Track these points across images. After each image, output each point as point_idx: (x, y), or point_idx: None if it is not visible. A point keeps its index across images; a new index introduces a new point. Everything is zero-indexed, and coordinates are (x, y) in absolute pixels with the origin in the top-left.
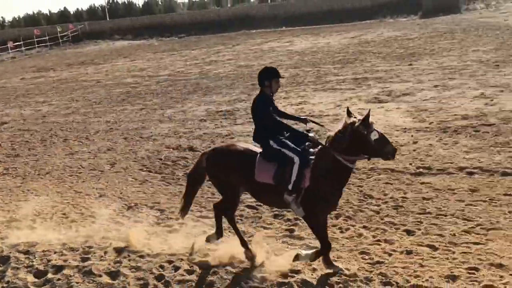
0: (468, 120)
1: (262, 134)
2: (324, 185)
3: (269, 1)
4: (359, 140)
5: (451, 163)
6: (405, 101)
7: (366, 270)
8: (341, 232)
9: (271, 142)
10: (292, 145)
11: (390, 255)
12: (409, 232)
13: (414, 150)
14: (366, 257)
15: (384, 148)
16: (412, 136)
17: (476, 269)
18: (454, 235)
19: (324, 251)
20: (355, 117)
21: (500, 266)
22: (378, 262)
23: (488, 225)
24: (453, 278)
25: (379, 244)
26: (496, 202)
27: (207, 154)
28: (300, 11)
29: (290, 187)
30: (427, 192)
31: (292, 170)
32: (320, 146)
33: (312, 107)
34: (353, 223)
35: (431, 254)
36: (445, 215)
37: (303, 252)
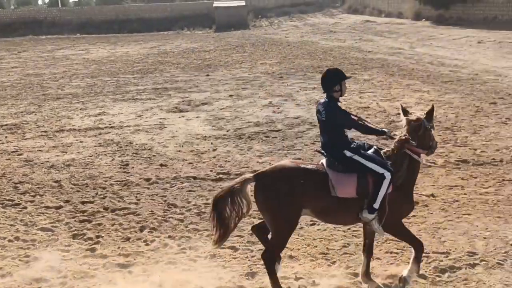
0: (260, 127)
1: (338, 144)
2: (407, 188)
3: (59, 5)
4: (424, 136)
5: (247, 167)
6: (204, 110)
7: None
8: (146, 244)
9: (348, 153)
10: (379, 158)
11: (195, 261)
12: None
13: (214, 157)
14: (172, 267)
15: (434, 142)
16: (211, 143)
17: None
18: (252, 234)
19: (421, 253)
20: (411, 113)
21: (291, 257)
22: (183, 270)
23: None
24: (252, 274)
25: (185, 252)
26: None
27: (258, 180)
28: (96, 18)
29: (376, 205)
30: None
31: (381, 185)
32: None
33: (112, 118)
34: (158, 234)
35: (233, 255)
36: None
37: (406, 272)
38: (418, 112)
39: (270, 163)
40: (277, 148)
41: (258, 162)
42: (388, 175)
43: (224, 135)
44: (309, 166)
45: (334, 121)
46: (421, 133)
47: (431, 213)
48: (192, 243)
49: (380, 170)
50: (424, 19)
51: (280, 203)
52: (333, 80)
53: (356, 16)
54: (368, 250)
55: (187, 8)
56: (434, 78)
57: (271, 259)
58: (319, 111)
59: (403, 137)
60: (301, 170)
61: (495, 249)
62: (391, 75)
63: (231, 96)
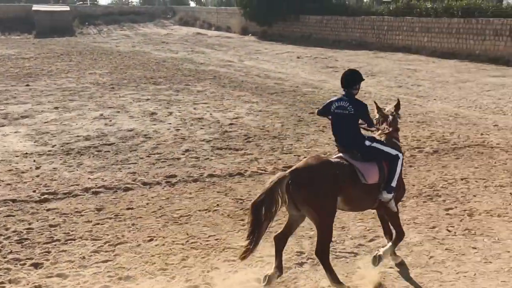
0: (91, 141)
1: (359, 136)
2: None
3: None
4: (397, 123)
5: (77, 185)
6: (24, 124)
7: None
8: None
9: (367, 143)
10: (387, 143)
11: None
12: (37, 266)
13: (37, 176)
14: None
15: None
16: (34, 161)
17: (107, 287)
18: (84, 257)
19: (400, 240)
20: (384, 109)
21: (127, 278)
22: None
23: (115, 240)
24: None
25: (4, 287)
26: (120, 217)
27: (295, 176)
28: None
29: (394, 184)
30: (54, 218)
31: (396, 167)
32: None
33: None
34: None
35: (62, 283)
36: (74, 239)
37: (382, 251)
38: (387, 107)
39: (102, 178)
40: (110, 163)
41: (89, 178)
42: (400, 155)
43: (49, 151)
44: (335, 160)
45: (361, 114)
46: (395, 122)
47: None
48: (12, 275)
49: (393, 152)
50: (250, 34)
51: (322, 196)
52: (356, 79)
53: (187, 28)
54: (388, 232)
55: (1, 10)
56: (262, 90)
57: (324, 252)
58: (343, 107)
59: (389, 130)
60: (332, 163)
61: None
62: (223, 86)
63: (56, 108)
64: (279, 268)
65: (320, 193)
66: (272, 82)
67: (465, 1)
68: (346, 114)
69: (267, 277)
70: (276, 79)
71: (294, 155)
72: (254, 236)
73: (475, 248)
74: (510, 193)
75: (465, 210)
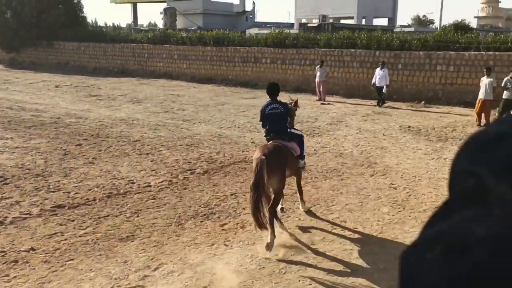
0: None
1: (287, 126)
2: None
3: None
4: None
5: None
6: None
7: None
8: None
9: (290, 130)
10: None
11: None
12: None
13: None
14: None
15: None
16: None
17: None
18: None
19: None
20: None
21: None
22: None
23: None
24: None
25: None
26: None
27: (266, 157)
28: None
29: (304, 153)
30: None
31: (303, 142)
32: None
33: None
34: None
35: None
36: None
37: (270, 238)
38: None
39: None
40: None
41: None
42: (303, 134)
43: None
44: (279, 144)
45: (287, 111)
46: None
47: (34, 268)
48: None
49: (300, 133)
50: None
51: (283, 168)
52: (277, 89)
53: None
54: (300, 192)
55: None
56: (16, 124)
57: (274, 210)
58: (275, 107)
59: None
60: (282, 146)
61: (101, 287)
62: None
63: None
64: (273, 234)
65: (283, 166)
66: (29, 114)
67: (215, 31)
68: (279, 112)
69: (268, 245)
70: (33, 111)
71: (64, 192)
72: (260, 209)
73: (252, 256)
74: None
75: (237, 224)
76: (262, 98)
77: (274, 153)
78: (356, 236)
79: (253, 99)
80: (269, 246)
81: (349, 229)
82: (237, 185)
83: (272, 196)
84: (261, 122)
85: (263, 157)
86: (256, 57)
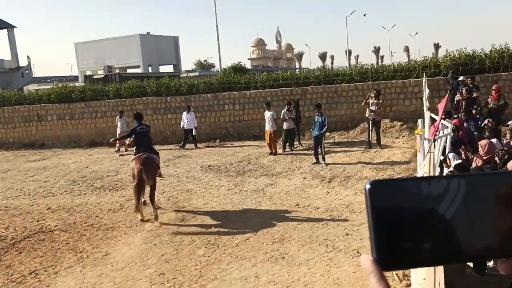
0: None
1: (150, 142)
2: None
3: None
4: None
5: None
6: None
7: None
8: None
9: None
10: None
11: None
12: None
13: None
14: None
15: None
16: None
17: None
18: None
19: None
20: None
21: None
22: None
23: None
24: None
25: None
26: None
27: (143, 166)
28: None
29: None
30: None
31: (158, 156)
32: None
33: None
34: None
35: None
36: None
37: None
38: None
39: None
40: None
41: None
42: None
43: None
44: (148, 155)
45: (149, 132)
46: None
47: None
48: None
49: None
50: None
51: (155, 172)
52: (141, 116)
53: None
54: (152, 199)
55: None
56: None
57: (153, 197)
58: (143, 128)
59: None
60: (151, 156)
61: None
62: None
63: None
64: (156, 209)
65: (155, 170)
66: None
67: None
68: (146, 131)
69: (155, 216)
70: None
71: None
72: (139, 199)
73: None
74: (80, 271)
75: None
76: (52, 158)
77: (147, 162)
78: (177, 286)
79: (42, 160)
80: (156, 217)
81: (168, 281)
82: (36, 260)
83: (149, 189)
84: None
85: (141, 167)
86: (40, 114)
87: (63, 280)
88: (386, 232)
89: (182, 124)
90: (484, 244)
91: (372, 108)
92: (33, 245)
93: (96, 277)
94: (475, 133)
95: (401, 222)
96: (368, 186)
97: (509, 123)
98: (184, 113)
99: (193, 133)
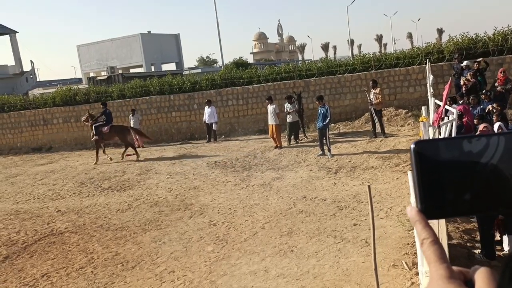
0: None
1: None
2: None
3: None
4: None
5: None
6: None
7: None
8: None
9: None
10: None
11: None
12: None
13: None
14: None
15: None
16: None
17: None
18: None
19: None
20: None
21: None
22: None
23: None
24: None
25: None
26: None
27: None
28: None
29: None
30: None
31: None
32: None
33: None
34: None
35: None
36: None
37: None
38: None
39: None
40: None
41: None
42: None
43: None
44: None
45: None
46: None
47: None
48: None
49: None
50: None
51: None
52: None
53: None
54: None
55: None
56: None
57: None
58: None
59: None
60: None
61: None
62: None
63: None
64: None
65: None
66: None
67: None
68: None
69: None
70: None
71: None
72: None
73: None
74: (91, 272)
75: None
76: (60, 161)
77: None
78: (187, 284)
79: (50, 163)
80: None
81: (178, 278)
82: (48, 263)
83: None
84: None
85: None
86: (46, 118)
87: (75, 282)
88: (430, 186)
89: (204, 118)
90: None
91: (371, 97)
92: (44, 248)
93: (107, 277)
94: (475, 120)
95: (443, 176)
96: (413, 146)
97: None
98: (206, 107)
99: (213, 128)
